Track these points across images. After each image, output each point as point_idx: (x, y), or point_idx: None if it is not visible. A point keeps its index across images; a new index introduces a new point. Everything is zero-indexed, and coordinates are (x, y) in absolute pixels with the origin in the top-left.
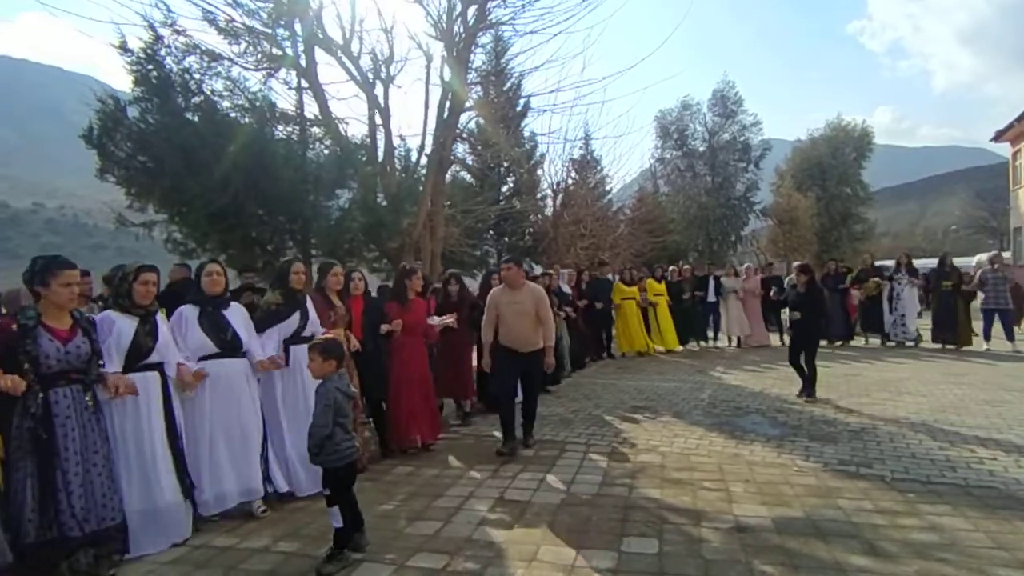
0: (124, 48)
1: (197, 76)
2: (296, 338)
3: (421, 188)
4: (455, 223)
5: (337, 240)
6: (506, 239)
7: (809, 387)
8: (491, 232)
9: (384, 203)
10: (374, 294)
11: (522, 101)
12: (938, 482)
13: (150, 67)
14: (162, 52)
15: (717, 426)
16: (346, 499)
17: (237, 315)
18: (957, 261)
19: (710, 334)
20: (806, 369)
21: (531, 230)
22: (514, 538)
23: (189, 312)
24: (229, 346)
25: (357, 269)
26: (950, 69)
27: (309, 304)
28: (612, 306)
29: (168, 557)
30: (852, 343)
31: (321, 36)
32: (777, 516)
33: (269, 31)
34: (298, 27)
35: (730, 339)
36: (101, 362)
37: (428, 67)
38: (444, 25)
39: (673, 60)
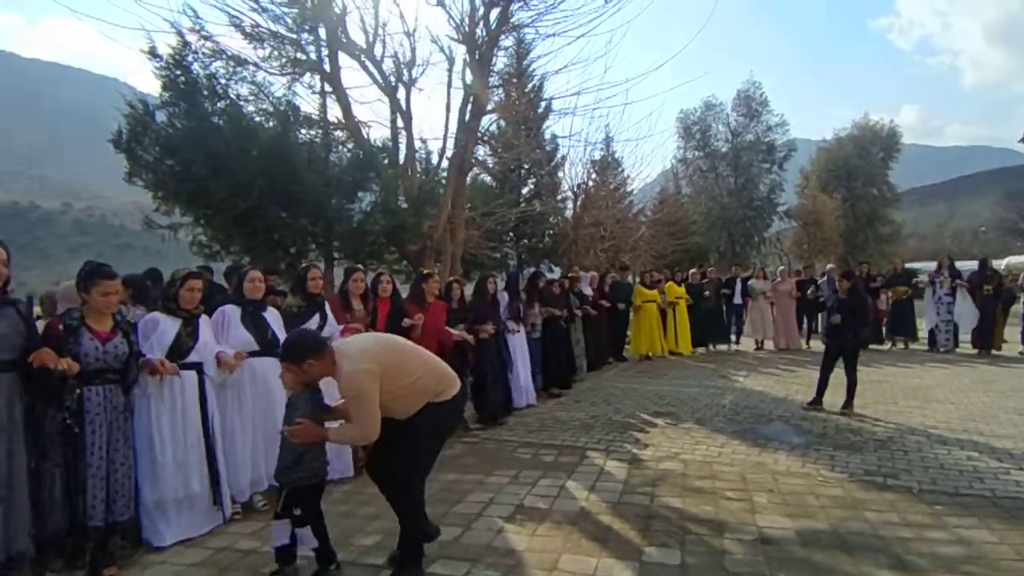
0: (153, 53)
1: (223, 81)
2: None
3: (442, 191)
4: (475, 226)
5: (359, 242)
6: (526, 241)
7: (848, 398)
8: (511, 234)
9: (405, 206)
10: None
11: (544, 103)
12: (966, 493)
13: (178, 72)
14: (189, 57)
15: (740, 433)
16: (318, 522)
17: (273, 317)
18: None
19: (732, 337)
20: (846, 378)
21: (551, 232)
22: (534, 546)
23: (231, 311)
24: (269, 345)
25: (386, 272)
26: (979, 67)
27: (328, 307)
28: (632, 308)
29: (193, 559)
30: (878, 347)
31: (344, 40)
32: (802, 528)
33: (294, 36)
34: (322, 31)
35: (757, 342)
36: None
37: (450, 70)
38: (466, 28)
39: (696, 60)
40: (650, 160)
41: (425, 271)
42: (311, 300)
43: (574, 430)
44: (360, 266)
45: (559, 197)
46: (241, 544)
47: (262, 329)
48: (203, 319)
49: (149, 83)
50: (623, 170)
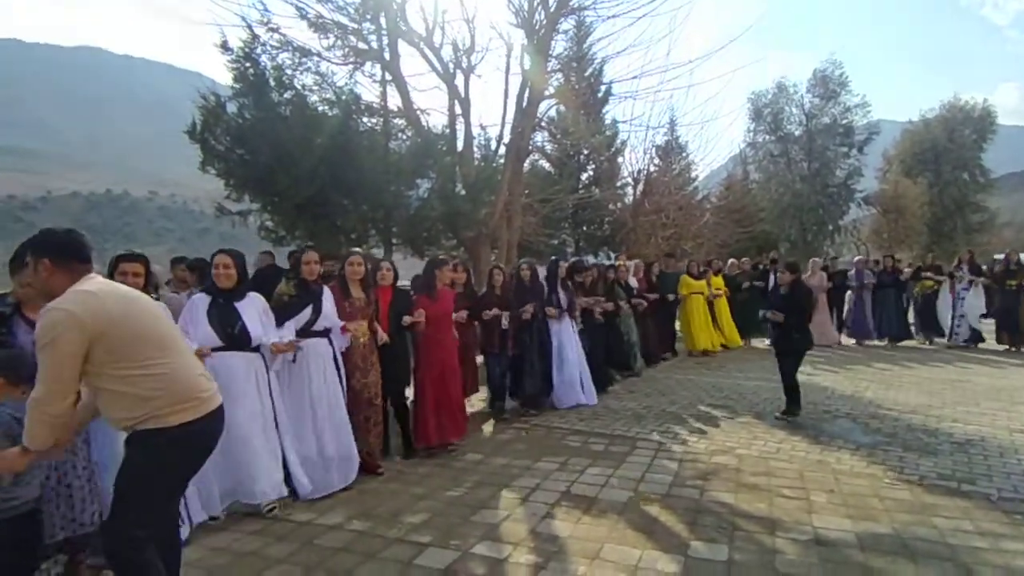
0: (225, 47)
1: (289, 72)
2: (307, 332)
3: (499, 177)
4: (532, 212)
5: (416, 229)
6: (583, 228)
7: (790, 403)
8: (568, 221)
9: (462, 193)
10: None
11: (603, 87)
12: None
13: (247, 64)
14: (258, 50)
15: (801, 429)
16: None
17: (251, 308)
18: None
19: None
20: (783, 382)
21: (610, 219)
22: (578, 534)
23: (199, 301)
24: (235, 340)
25: (387, 259)
26: None
27: (326, 296)
28: (680, 300)
29: (251, 527)
30: (907, 343)
31: (404, 28)
32: (862, 531)
33: (355, 25)
34: (383, 20)
35: None
36: None
37: (508, 56)
38: (525, 12)
39: (770, 38)
40: (716, 144)
41: (439, 257)
42: (305, 288)
43: (626, 420)
44: (358, 250)
45: (619, 183)
46: (297, 516)
47: (229, 322)
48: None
49: (224, 76)
50: (687, 155)
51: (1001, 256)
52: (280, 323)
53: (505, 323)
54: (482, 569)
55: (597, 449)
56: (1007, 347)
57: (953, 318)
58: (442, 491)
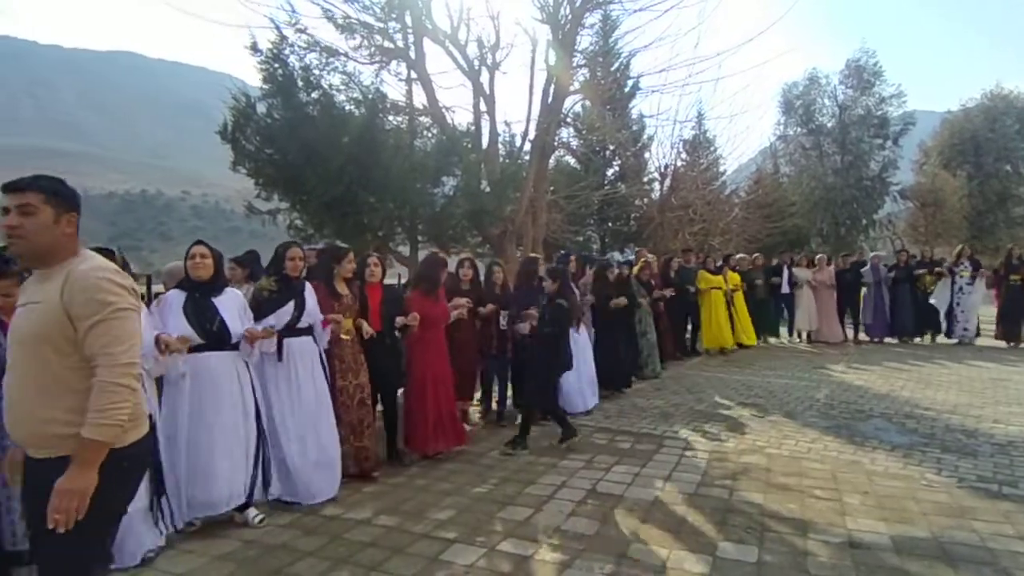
0: (255, 48)
1: (316, 72)
2: (290, 330)
3: (524, 174)
4: (558, 209)
5: (441, 226)
6: (609, 224)
7: (521, 436)
8: (594, 217)
9: (487, 190)
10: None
11: (630, 82)
12: None
13: (276, 65)
14: (287, 51)
15: (833, 429)
16: None
17: (230, 303)
18: None
19: (782, 329)
20: (527, 405)
21: (636, 215)
22: (604, 532)
23: (174, 297)
24: (214, 337)
25: (374, 255)
26: None
27: (308, 292)
28: (697, 295)
29: (283, 520)
30: (918, 340)
31: (430, 26)
32: (898, 534)
33: (382, 24)
34: (408, 19)
35: (799, 334)
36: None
37: (533, 52)
38: (551, 7)
39: (801, 28)
40: (745, 138)
41: (439, 256)
42: (287, 284)
43: (653, 418)
44: (348, 247)
45: (645, 179)
46: (326, 511)
47: (207, 317)
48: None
49: (253, 77)
50: (715, 149)
51: None
52: (259, 320)
53: (503, 323)
54: (508, 566)
55: (623, 447)
56: (1007, 343)
57: (953, 314)
58: (468, 487)
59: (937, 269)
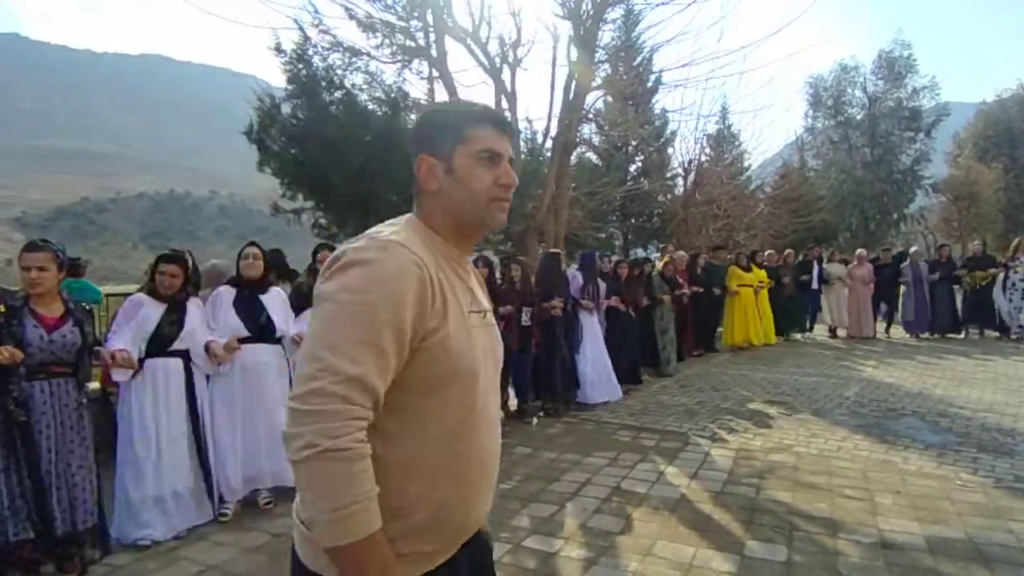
0: (279, 50)
1: (339, 72)
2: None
3: (546, 171)
4: (580, 205)
5: None
6: (632, 221)
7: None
8: (617, 214)
9: None
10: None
11: (653, 77)
12: None
13: (300, 66)
14: (310, 51)
15: (864, 428)
16: None
17: (274, 301)
18: None
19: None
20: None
21: (659, 211)
22: (629, 530)
23: (224, 293)
24: (261, 330)
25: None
26: None
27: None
28: (729, 293)
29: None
30: (955, 336)
31: (451, 24)
32: (931, 534)
33: (403, 23)
34: (429, 17)
35: (829, 329)
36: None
37: (555, 48)
38: (572, 3)
39: (831, 17)
40: (771, 131)
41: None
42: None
43: (678, 415)
44: (329, 242)
45: (668, 174)
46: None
47: (255, 313)
48: (193, 304)
49: (278, 78)
50: (740, 143)
51: None
52: (299, 314)
53: (526, 319)
54: (533, 563)
55: (648, 444)
56: None
57: (1010, 312)
58: None
59: (991, 268)
